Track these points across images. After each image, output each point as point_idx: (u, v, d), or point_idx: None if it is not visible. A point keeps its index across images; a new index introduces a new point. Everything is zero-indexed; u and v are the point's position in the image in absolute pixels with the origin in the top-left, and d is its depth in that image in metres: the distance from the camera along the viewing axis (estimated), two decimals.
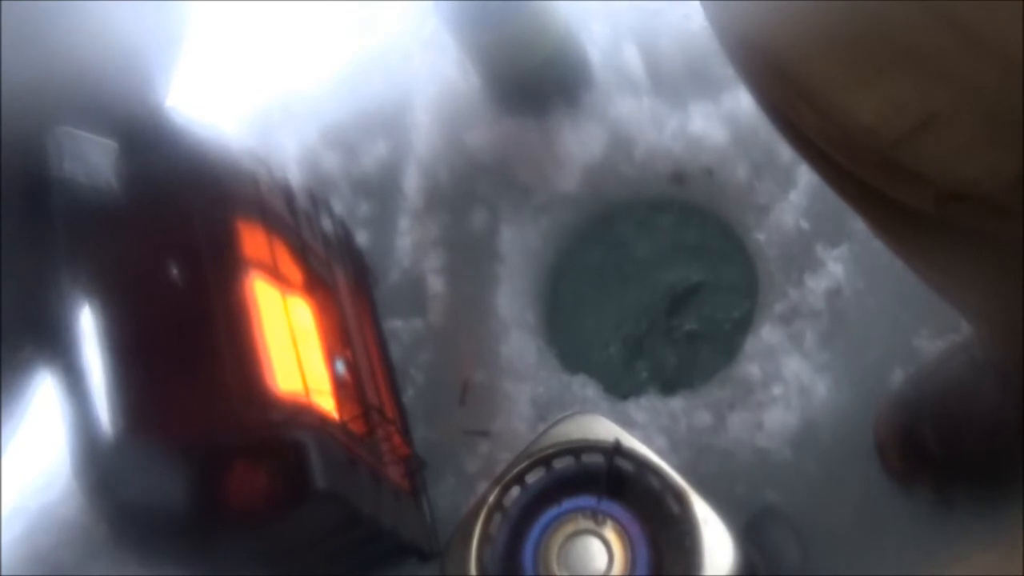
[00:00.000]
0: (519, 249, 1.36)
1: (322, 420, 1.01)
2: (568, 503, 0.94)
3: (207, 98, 1.37)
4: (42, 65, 1.02)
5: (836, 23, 0.55)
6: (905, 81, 0.56)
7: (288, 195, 1.19)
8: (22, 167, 1.03)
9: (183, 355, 0.99)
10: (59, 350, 1.00)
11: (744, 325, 1.29)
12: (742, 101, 1.30)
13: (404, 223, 1.39)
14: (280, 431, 0.97)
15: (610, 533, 0.92)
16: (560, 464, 0.96)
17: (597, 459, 0.95)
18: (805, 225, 1.26)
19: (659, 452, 0.96)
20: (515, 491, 0.96)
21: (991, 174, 0.57)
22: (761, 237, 1.28)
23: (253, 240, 1.06)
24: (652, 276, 1.37)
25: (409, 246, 1.38)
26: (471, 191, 1.39)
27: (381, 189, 1.43)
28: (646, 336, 1.34)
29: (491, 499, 0.95)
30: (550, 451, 0.96)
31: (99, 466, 0.96)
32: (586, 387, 1.27)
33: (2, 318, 1.03)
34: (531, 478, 0.96)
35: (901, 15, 0.54)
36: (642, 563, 0.91)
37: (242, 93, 1.49)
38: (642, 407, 1.24)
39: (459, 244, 1.37)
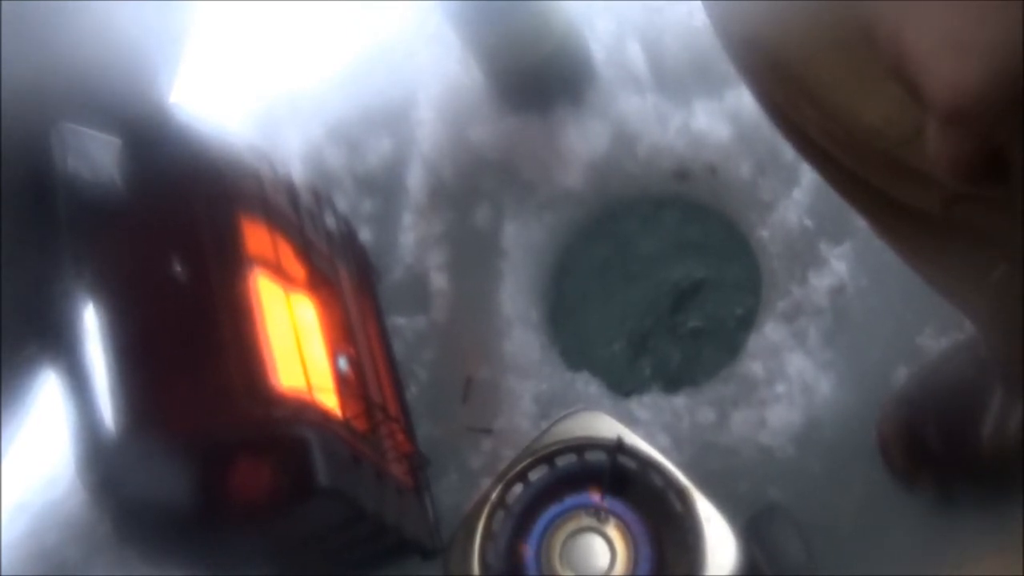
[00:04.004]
0: (523, 246, 1.36)
1: (325, 417, 1.02)
2: (571, 500, 0.94)
3: (211, 95, 1.37)
4: (46, 62, 1.02)
5: (839, 23, 0.55)
6: None
7: (292, 192, 1.19)
8: (26, 164, 1.03)
9: (186, 352, 0.99)
10: (62, 347, 1.00)
11: (748, 322, 1.29)
12: (746, 98, 1.29)
13: (408, 219, 1.39)
14: (283, 428, 0.97)
15: (613, 531, 0.92)
16: (563, 461, 0.97)
17: (600, 457, 0.96)
18: (809, 222, 1.26)
19: (662, 450, 0.96)
20: (518, 488, 0.96)
21: None
22: (765, 234, 1.28)
23: (256, 237, 1.06)
24: (655, 273, 1.37)
25: (412, 243, 1.38)
26: (475, 187, 1.39)
27: (385, 186, 1.43)
28: (649, 333, 1.34)
29: (494, 496, 0.95)
30: (553, 448, 0.96)
31: (102, 463, 0.96)
32: (589, 384, 1.27)
33: (5, 315, 1.03)
34: (534, 475, 0.96)
35: None
36: (645, 561, 0.91)
37: (246, 90, 1.48)
38: (645, 404, 1.24)
39: (463, 240, 1.37)
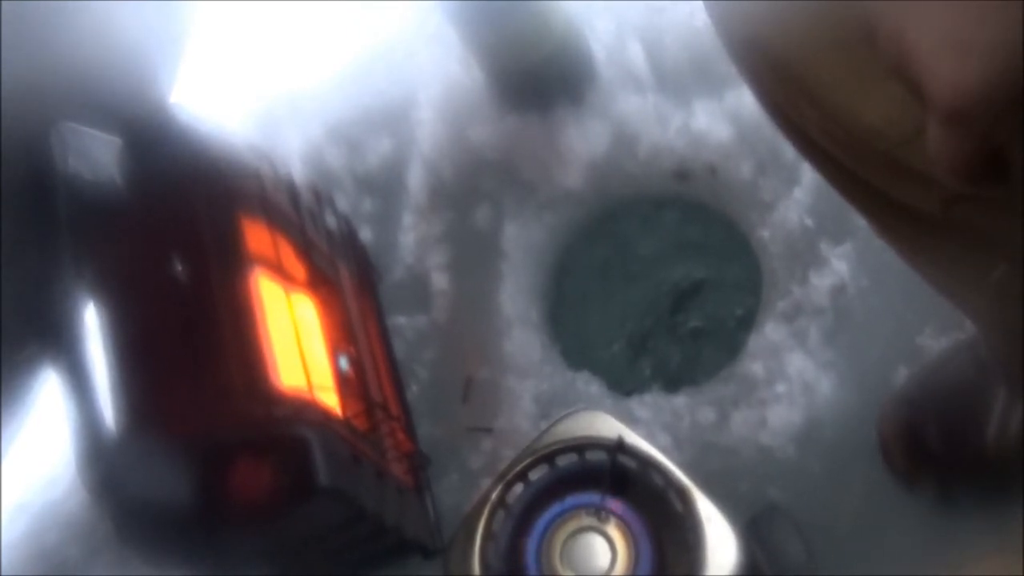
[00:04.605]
0: (523, 246, 1.36)
1: (326, 416, 1.01)
2: (571, 500, 0.94)
3: (211, 94, 1.37)
4: (46, 61, 1.02)
5: (840, 24, 0.55)
6: None
7: (292, 192, 1.19)
8: (26, 163, 1.03)
9: (187, 352, 0.99)
10: (63, 347, 1.00)
11: (748, 322, 1.29)
12: (746, 98, 1.29)
13: (408, 220, 1.39)
14: (283, 428, 0.97)
15: (613, 530, 0.92)
16: (563, 461, 0.96)
17: (600, 456, 0.95)
18: (809, 222, 1.26)
19: (662, 449, 0.96)
20: (518, 488, 0.96)
21: None
22: (765, 234, 1.28)
23: (257, 237, 1.06)
24: (656, 273, 1.37)
25: (413, 243, 1.38)
26: (475, 188, 1.39)
27: (385, 185, 1.43)
28: (650, 333, 1.34)
29: (494, 496, 0.95)
30: (553, 448, 0.96)
31: (103, 463, 0.96)
32: (590, 384, 1.27)
33: (5, 315, 1.03)
34: (534, 475, 0.96)
35: None
36: (645, 561, 0.91)
37: (246, 89, 1.48)
38: (645, 404, 1.24)
39: (463, 241, 1.37)
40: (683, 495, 0.92)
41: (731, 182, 1.32)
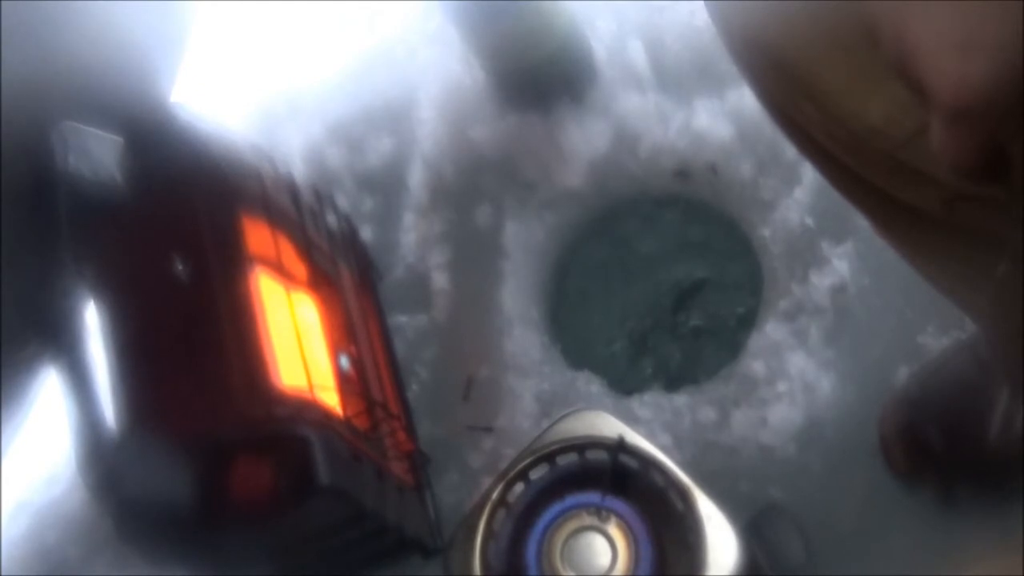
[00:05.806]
0: (523, 245, 1.36)
1: (326, 416, 1.01)
2: (572, 499, 0.94)
3: (212, 93, 1.37)
4: (47, 60, 1.02)
5: (841, 23, 0.55)
6: None
7: (293, 191, 1.19)
8: (27, 162, 1.03)
9: (187, 351, 0.99)
10: (63, 346, 1.00)
11: (749, 322, 1.29)
12: (747, 97, 1.29)
13: (408, 219, 1.39)
14: (284, 427, 0.97)
15: (614, 530, 0.92)
16: (564, 460, 0.96)
17: (601, 456, 0.95)
18: (810, 222, 1.26)
19: (663, 449, 0.96)
20: (519, 487, 0.96)
21: None
22: (766, 233, 1.28)
23: (258, 236, 1.06)
24: (657, 272, 1.37)
25: (413, 242, 1.38)
26: (476, 187, 1.39)
27: (386, 185, 1.43)
28: (651, 332, 1.34)
29: (495, 495, 0.95)
30: (554, 447, 0.96)
31: (103, 462, 0.96)
32: (590, 383, 1.27)
33: (5, 315, 1.03)
34: (535, 474, 0.96)
35: None
36: (646, 560, 0.91)
37: (247, 88, 1.49)
38: (646, 403, 1.24)
39: (463, 240, 1.37)
40: (684, 494, 0.92)
41: (732, 181, 1.32)
